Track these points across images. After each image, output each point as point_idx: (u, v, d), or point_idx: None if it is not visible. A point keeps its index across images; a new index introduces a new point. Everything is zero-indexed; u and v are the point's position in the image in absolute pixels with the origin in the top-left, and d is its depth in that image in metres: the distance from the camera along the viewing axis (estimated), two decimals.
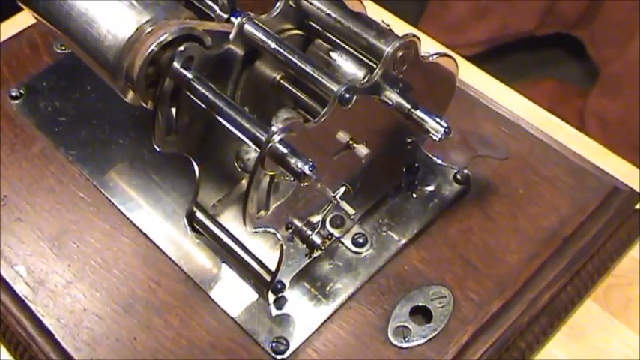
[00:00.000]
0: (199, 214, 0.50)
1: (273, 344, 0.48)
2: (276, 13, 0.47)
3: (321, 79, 0.43)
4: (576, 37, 1.31)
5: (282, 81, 0.49)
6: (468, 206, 0.54)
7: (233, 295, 0.50)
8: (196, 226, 0.50)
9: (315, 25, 0.48)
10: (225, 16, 0.50)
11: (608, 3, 1.22)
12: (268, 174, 0.42)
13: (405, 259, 0.51)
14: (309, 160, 0.40)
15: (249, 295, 0.50)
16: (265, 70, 0.48)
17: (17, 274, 0.52)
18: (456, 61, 0.48)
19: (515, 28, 1.32)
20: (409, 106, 0.46)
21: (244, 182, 0.52)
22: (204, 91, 0.43)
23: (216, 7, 0.51)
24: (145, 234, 0.53)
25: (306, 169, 0.39)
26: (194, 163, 0.48)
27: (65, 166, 0.57)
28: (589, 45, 1.30)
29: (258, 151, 0.42)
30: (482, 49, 1.33)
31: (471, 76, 0.63)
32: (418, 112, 0.46)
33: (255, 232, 0.44)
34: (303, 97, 0.48)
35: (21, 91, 0.61)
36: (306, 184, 0.40)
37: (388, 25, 0.48)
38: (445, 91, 0.51)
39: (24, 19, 0.67)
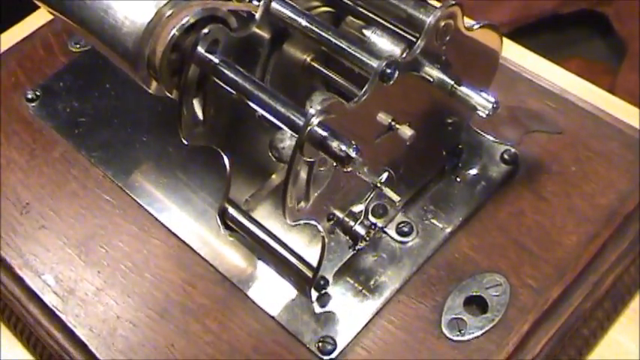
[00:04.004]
0: (232, 211, 0.47)
1: (320, 344, 0.45)
2: None
3: (359, 55, 0.40)
4: (601, 13, 1.27)
5: (313, 63, 0.46)
6: (518, 187, 0.50)
7: (272, 294, 0.47)
8: (229, 223, 0.47)
9: (347, 0, 0.45)
10: None
11: None
12: (308, 161, 0.39)
13: (454, 247, 0.48)
14: (352, 142, 0.37)
15: (290, 293, 0.47)
16: (295, 53, 0.45)
17: (45, 283, 0.49)
18: (500, 33, 0.45)
19: (538, 7, 1.29)
20: (452, 82, 0.43)
21: (277, 175, 0.49)
22: (232, 75, 0.40)
23: None
24: (175, 235, 0.50)
25: (352, 152, 0.36)
26: (224, 156, 0.45)
27: (88, 169, 0.54)
28: (614, 20, 1.25)
29: (295, 137, 0.39)
30: (506, 31, 1.29)
31: (507, 49, 0.59)
32: (462, 88, 0.43)
33: (296, 224, 0.41)
34: (336, 78, 0.45)
35: (37, 93, 0.59)
36: (349, 168, 0.37)
37: None
38: (487, 65, 0.48)
39: (33, 21, 0.65)
